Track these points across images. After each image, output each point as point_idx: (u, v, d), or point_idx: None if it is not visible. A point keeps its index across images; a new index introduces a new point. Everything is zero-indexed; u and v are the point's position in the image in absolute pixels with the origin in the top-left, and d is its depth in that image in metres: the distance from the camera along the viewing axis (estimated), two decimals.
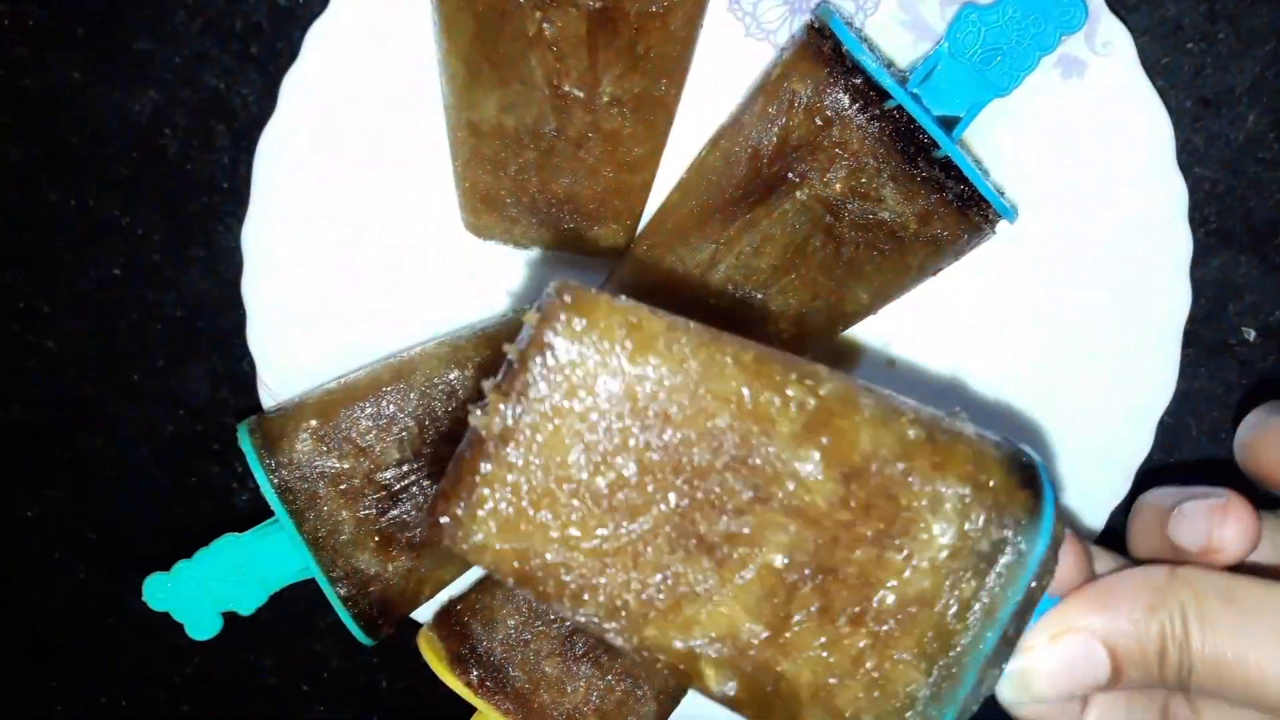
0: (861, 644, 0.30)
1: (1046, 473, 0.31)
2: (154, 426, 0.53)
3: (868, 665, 0.30)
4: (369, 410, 0.43)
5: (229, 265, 0.49)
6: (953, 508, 0.29)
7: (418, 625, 0.49)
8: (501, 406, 0.28)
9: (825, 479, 0.29)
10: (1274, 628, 0.31)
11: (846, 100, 0.39)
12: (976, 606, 0.30)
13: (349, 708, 0.56)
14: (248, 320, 0.47)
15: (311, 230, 0.46)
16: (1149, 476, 0.46)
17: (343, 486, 0.43)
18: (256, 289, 0.47)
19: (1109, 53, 0.42)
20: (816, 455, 0.29)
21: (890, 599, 0.30)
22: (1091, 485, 0.47)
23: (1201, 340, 0.48)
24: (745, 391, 0.29)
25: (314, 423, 0.43)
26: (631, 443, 0.29)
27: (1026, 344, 0.46)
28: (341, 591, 0.43)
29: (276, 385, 0.48)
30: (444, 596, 0.48)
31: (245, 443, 0.43)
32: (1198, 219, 0.46)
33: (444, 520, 0.29)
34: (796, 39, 0.42)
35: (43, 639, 0.56)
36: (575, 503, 0.29)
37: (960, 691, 0.30)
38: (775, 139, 0.41)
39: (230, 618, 0.45)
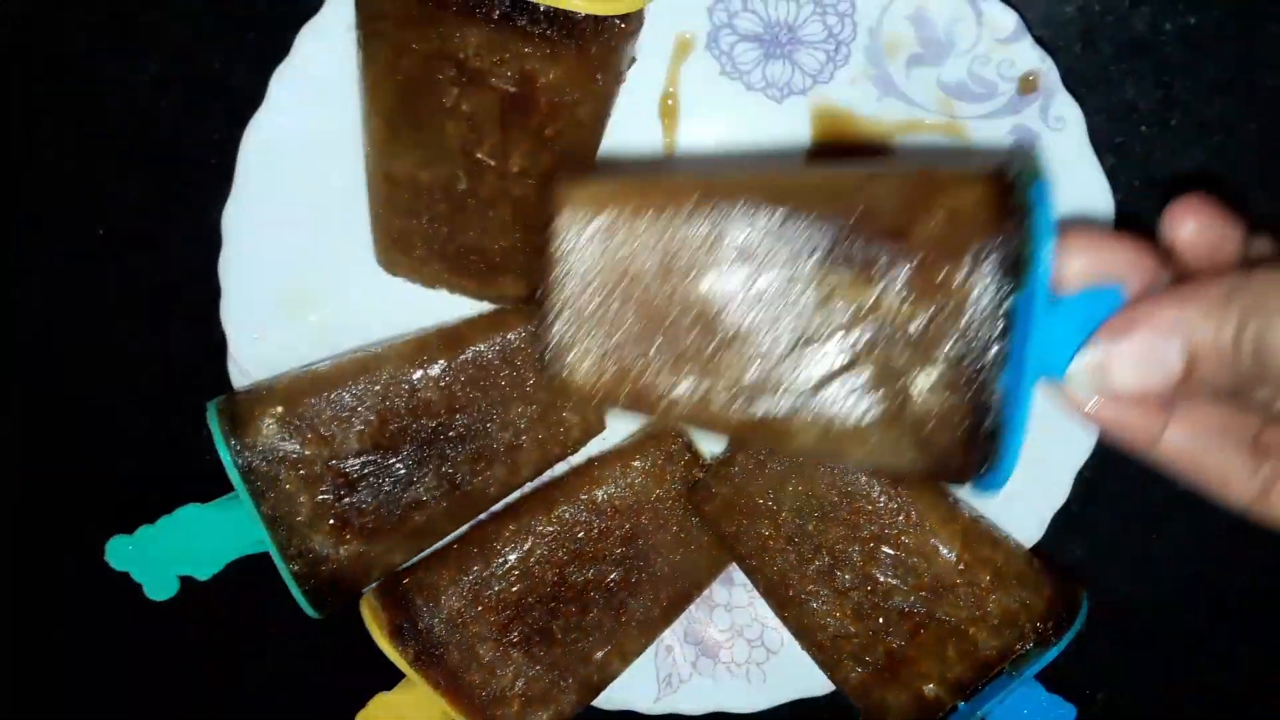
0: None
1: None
2: (131, 383, 0.55)
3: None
4: (332, 401, 0.45)
5: (212, 238, 0.50)
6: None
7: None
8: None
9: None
10: None
11: None
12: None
13: (294, 667, 0.58)
14: (222, 299, 0.49)
15: (290, 219, 0.48)
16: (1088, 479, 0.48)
17: (302, 471, 0.45)
18: (233, 270, 0.49)
19: (1061, 128, 0.45)
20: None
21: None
22: (1035, 487, 0.48)
23: None
24: None
25: (280, 409, 0.45)
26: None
27: None
28: (294, 568, 0.46)
29: (246, 362, 0.50)
30: None
31: (213, 423, 0.45)
32: None
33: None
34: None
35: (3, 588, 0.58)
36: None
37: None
38: None
39: (187, 579, 0.48)
